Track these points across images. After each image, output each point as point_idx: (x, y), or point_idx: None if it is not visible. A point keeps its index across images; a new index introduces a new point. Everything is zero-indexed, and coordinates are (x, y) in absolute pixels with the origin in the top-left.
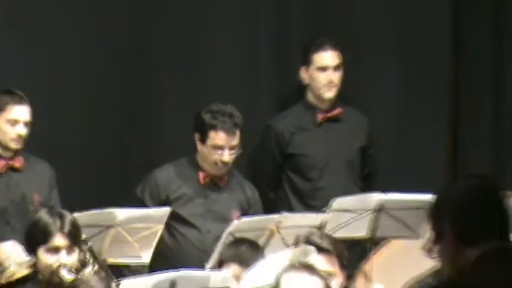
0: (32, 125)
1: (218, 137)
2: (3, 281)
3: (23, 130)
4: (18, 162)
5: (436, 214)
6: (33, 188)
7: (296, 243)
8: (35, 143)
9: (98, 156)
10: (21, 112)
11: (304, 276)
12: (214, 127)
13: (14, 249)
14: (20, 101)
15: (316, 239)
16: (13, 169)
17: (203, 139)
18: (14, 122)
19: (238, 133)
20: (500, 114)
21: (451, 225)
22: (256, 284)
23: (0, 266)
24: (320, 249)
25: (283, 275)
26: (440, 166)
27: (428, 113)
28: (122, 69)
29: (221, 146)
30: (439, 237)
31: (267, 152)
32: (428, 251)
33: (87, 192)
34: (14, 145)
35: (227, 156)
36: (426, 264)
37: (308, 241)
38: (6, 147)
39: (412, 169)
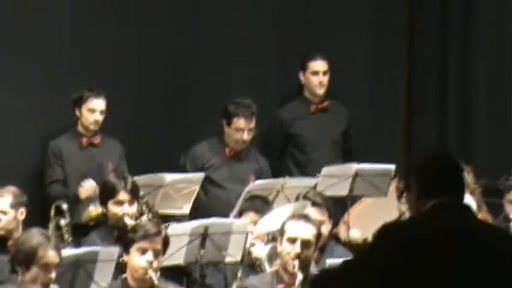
0: (106, 112)
1: (240, 122)
2: (84, 219)
3: (99, 117)
4: (96, 140)
5: (406, 171)
6: (107, 159)
7: (297, 199)
8: (109, 124)
9: (153, 134)
10: (98, 103)
11: (302, 223)
12: (237, 115)
13: (95, 187)
14: (97, 95)
15: (311, 196)
16: (93, 145)
17: (229, 123)
18: (92, 111)
19: (254, 119)
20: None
21: (416, 181)
22: (268, 228)
23: (84, 204)
24: (314, 204)
25: (287, 222)
26: (397, 143)
27: (390, 102)
28: (166, 69)
29: (242, 129)
30: (407, 189)
31: (274, 133)
32: (398, 199)
33: (144, 161)
34: (92, 127)
35: (246, 136)
36: (391, 215)
37: (305, 197)
38: (87, 129)
39: (379, 145)
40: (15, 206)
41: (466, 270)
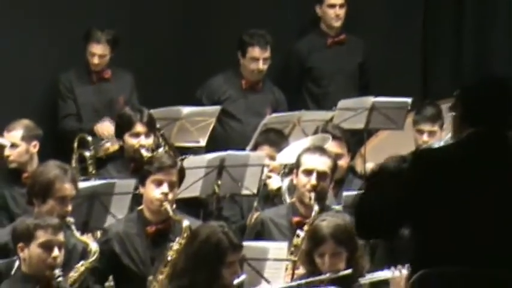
0: (118, 46)
1: (254, 51)
2: (101, 153)
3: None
4: (107, 74)
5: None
6: (119, 92)
7: (315, 132)
8: (124, 57)
9: (170, 67)
10: (98, 48)
11: (318, 155)
12: (252, 44)
13: (110, 127)
14: (98, 39)
15: (330, 129)
16: (103, 79)
17: (244, 54)
18: (92, 55)
19: (269, 48)
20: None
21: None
22: (284, 161)
23: (99, 140)
24: (334, 137)
25: (302, 154)
26: (414, 75)
27: (406, 35)
28: (182, 1)
29: (257, 58)
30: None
31: (290, 66)
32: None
33: (160, 94)
34: (96, 62)
35: (261, 65)
36: (407, 148)
37: (325, 131)
38: (97, 66)
39: (396, 79)
40: (27, 138)
41: (494, 189)
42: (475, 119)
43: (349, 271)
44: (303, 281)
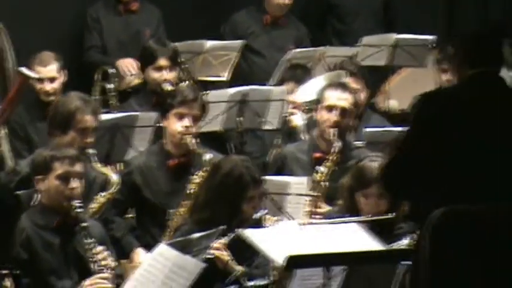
0: None
1: None
2: (123, 87)
3: None
4: (134, 6)
5: (454, 40)
6: (145, 25)
7: (333, 69)
8: None
9: (196, 2)
10: None
11: (340, 92)
12: None
13: (133, 63)
14: None
15: (346, 65)
16: (131, 11)
17: None
18: None
19: None
20: None
21: (459, 50)
22: (306, 98)
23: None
24: (350, 73)
25: (325, 91)
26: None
27: None
28: None
29: None
30: (452, 57)
31: (316, 2)
32: (438, 63)
33: (185, 26)
34: None
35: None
36: (429, 86)
37: (341, 67)
38: None
39: (420, 16)
40: (60, 69)
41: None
42: (475, 61)
43: (392, 215)
44: (340, 219)
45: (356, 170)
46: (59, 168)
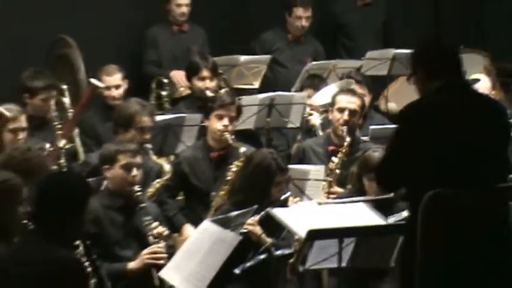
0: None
1: (299, 10)
2: (176, 95)
3: (185, 9)
4: (185, 27)
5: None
6: (193, 43)
7: (342, 78)
8: (195, 12)
9: (232, 23)
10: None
11: (349, 96)
12: (296, 5)
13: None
14: None
15: (353, 75)
16: (182, 31)
17: (290, 13)
18: (179, 6)
19: (310, 9)
20: None
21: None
22: (321, 102)
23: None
24: (356, 81)
25: (337, 95)
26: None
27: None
28: None
29: (300, 16)
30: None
31: (328, 23)
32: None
33: (223, 44)
34: (180, 18)
35: (304, 22)
36: None
37: (350, 76)
38: (176, 19)
39: (412, 33)
40: (123, 78)
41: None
42: (438, 73)
43: (391, 195)
44: (349, 199)
45: (362, 158)
46: (123, 160)
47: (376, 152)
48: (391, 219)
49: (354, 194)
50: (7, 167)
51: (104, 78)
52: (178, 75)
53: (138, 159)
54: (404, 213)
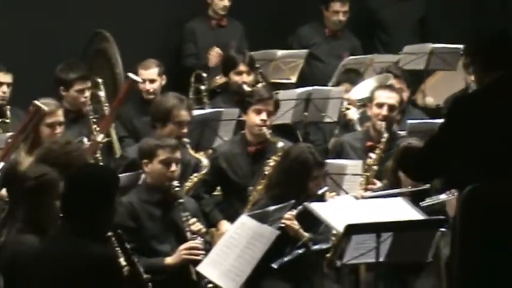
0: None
1: (336, 5)
2: (212, 85)
3: (227, 3)
4: (223, 22)
5: (471, 46)
6: (232, 37)
7: (381, 72)
8: (235, 7)
9: (269, 17)
10: None
11: (388, 91)
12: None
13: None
14: None
15: (392, 69)
16: (220, 26)
17: (327, 7)
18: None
19: (347, 4)
20: None
21: (480, 56)
22: (359, 96)
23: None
24: (395, 76)
25: (376, 91)
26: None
27: None
28: None
29: (338, 11)
30: (473, 63)
31: (365, 18)
32: (465, 67)
33: (261, 39)
34: (221, 12)
35: (341, 17)
36: (459, 86)
37: (388, 71)
38: (217, 13)
39: (451, 28)
40: (160, 74)
41: None
42: (497, 65)
43: (426, 186)
44: (385, 192)
45: (396, 151)
46: (162, 155)
47: (412, 143)
48: (428, 202)
49: (390, 188)
50: (46, 161)
51: (139, 72)
52: (214, 53)
53: (178, 155)
54: (443, 197)
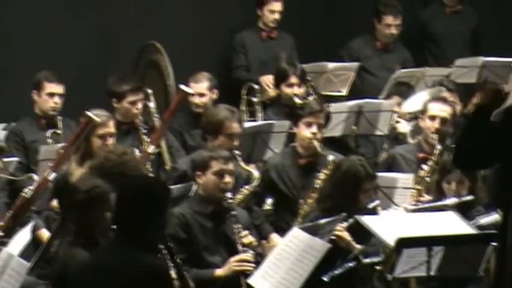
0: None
1: (388, 18)
2: (264, 98)
3: (277, 16)
4: (273, 34)
5: None
6: (281, 49)
7: (432, 85)
8: (285, 20)
9: (319, 30)
10: (278, 6)
11: (441, 104)
12: (386, 13)
13: (271, 79)
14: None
15: (445, 83)
16: (271, 38)
17: (379, 20)
18: (272, 12)
19: (399, 17)
20: None
21: None
22: (410, 109)
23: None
24: (447, 89)
25: (428, 103)
26: None
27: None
28: None
29: (390, 24)
30: None
31: (416, 31)
32: None
33: (311, 51)
34: (271, 24)
35: (393, 30)
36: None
37: (441, 84)
38: (267, 26)
39: (502, 42)
40: (210, 88)
41: None
42: None
43: (470, 197)
44: (431, 205)
45: (440, 164)
46: (216, 166)
47: None
48: (483, 220)
49: (435, 200)
50: (102, 170)
51: (190, 85)
52: (267, 79)
53: (231, 166)
54: (497, 216)
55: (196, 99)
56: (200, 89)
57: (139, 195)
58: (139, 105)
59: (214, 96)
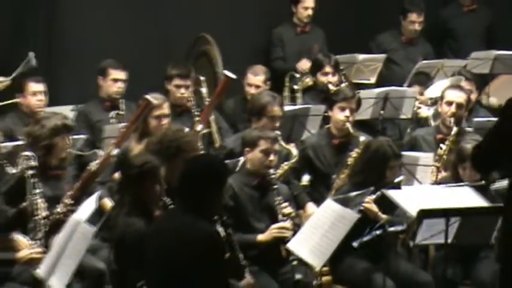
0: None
1: (413, 16)
2: (302, 85)
3: (310, 12)
4: (307, 28)
5: None
6: (314, 42)
7: (452, 75)
8: (318, 14)
9: (350, 25)
10: (311, 2)
11: (457, 91)
12: (410, 10)
13: (307, 64)
14: None
15: (463, 72)
16: (305, 32)
17: (404, 17)
18: (305, 8)
19: (423, 14)
20: None
21: None
22: (433, 95)
23: (303, 76)
24: (465, 78)
25: (445, 90)
26: None
27: None
28: None
29: (414, 21)
30: None
31: (437, 27)
32: None
33: (343, 44)
34: (305, 20)
35: (417, 26)
36: None
37: (460, 74)
38: (301, 21)
39: None
40: (265, 81)
41: None
42: None
43: (482, 182)
44: (448, 185)
45: (457, 150)
46: (263, 145)
47: (469, 144)
48: (496, 185)
49: (452, 180)
50: (161, 144)
51: (248, 76)
52: (303, 64)
53: (276, 146)
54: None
55: (253, 90)
56: (257, 81)
57: (204, 172)
58: (183, 90)
59: (267, 88)
